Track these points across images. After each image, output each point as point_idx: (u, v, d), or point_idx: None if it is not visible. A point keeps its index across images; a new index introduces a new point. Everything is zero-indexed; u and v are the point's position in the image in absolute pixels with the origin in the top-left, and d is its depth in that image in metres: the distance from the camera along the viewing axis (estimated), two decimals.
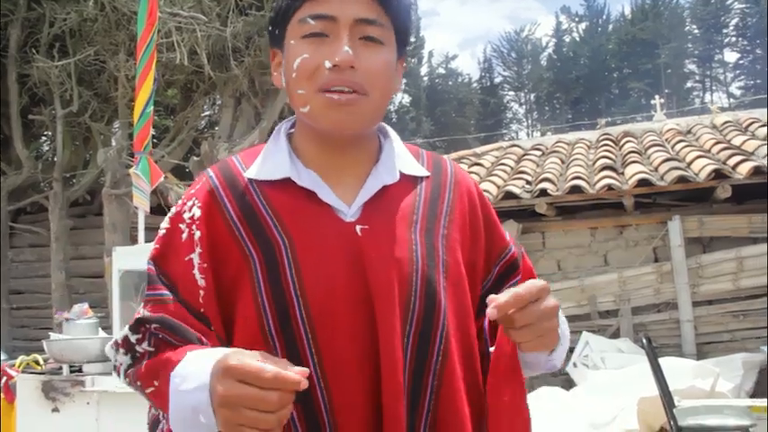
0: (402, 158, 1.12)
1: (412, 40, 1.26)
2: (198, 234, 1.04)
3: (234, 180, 1.06)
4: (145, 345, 1.02)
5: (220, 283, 1.04)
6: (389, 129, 1.17)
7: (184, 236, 1.05)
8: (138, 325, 1.03)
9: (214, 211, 1.05)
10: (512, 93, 45.89)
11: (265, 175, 1.05)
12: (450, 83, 43.81)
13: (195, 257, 1.03)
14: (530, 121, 45.01)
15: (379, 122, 1.11)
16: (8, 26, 9.56)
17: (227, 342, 1.02)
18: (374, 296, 1.00)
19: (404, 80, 1.19)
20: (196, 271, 1.03)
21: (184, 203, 1.07)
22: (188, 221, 1.05)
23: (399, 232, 1.04)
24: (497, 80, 45.54)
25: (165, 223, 1.08)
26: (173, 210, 1.09)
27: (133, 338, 1.03)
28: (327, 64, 1.00)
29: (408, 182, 1.10)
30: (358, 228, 1.03)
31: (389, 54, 1.05)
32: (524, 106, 46.01)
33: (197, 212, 1.05)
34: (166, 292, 1.04)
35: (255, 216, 1.03)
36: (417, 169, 1.13)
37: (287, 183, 1.05)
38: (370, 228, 1.03)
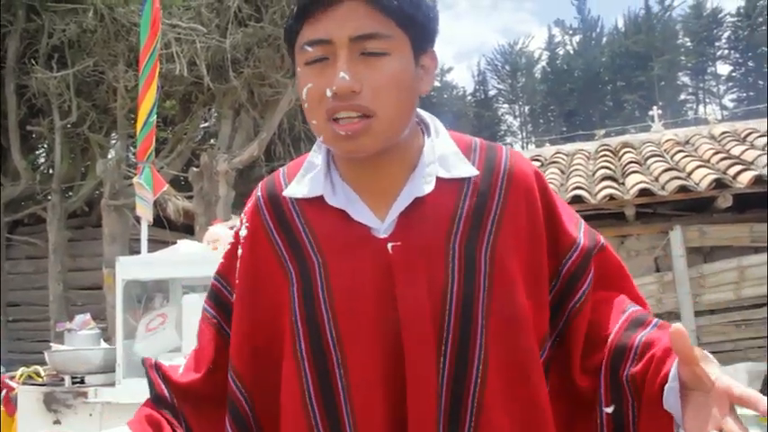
0: (445, 160, 1.05)
1: (437, 28, 1.05)
2: (240, 252, 1.10)
3: (276, 198, 1.09)
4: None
5: (258, 301, 1.07)
6: (436, 124, 1.11)
7: (238, 252, 1.11)
8: (143, 363, 1.12)
9: (259, 232, 1.08)
10: (506, 105, 46.10)
11: (301, 194, 1.06)
12: (444, 96, 43.98)
13: (236, 273, 1.10)
14: (524, 134, 45.17)
15: (398, 137, 1.01)
16: (7, 37, 9.55)
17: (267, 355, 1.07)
18: (402, 318, 0.96)
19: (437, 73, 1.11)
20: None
21: (241, 219, 1.13)
22: (240, 239, 1.11)
23: (435, 246, 0.99)
24: (492, 93, 45.76)
25: (230, 238, 1.15)
26: (237, 226, 1.15)
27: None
28: (328, 93, 0.95)
29: (451, 186, 1.03)
30: (389, 245, 0.99)
31: (398, 63, 0.97)
32: (519, 119, 46.20)
33: (243, 232, 1.10)
34: (211, 310, 1.13)
35: (294, 235, 1.05)
36: (463, 170, 1.04)
37: (323, 199, 1.04)
38: (403, 244, 0.99)
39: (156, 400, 1.09)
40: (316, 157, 1.08)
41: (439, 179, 1.02)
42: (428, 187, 1.01)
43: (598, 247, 1.10)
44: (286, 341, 1.02)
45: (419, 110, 1.08)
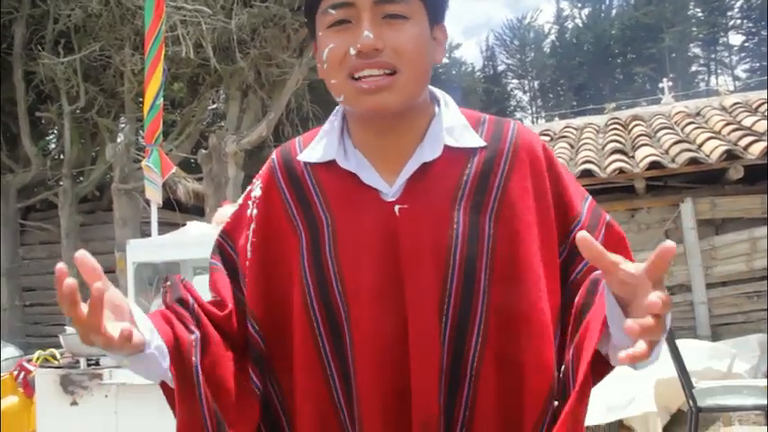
0: (453, 130, 1.08)
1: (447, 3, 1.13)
2: (255, 212, 1.13)
3: (290, 162, 1.13)
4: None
5: (272, 257, 1.10)
6: (446, 98, 1.14)
7: (248, 212, 1.15)
8: (164, 280, 1.11)
9: (273, 192, 1.13)
10: (515, 81, 45.74)
11: (314, 158, 1.10)
12: (453, 72, 43.68)
13: (250, 232, 1.13)
14: (534, 109, 44.87)
15: (418, 97, 1.06)
16: (13, 24, 9.57)
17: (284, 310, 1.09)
18: (405, 278, 1.00)
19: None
20: (249, 243, 1.13)
21: (254, 183, 1.17)
22: (253, 199, 1.15)
23: (440, 211, 1.03)
24: (501, 68, 45.40)
25: (240, 199, 1.19)
26: (248, 188, 1.18)
27: (162, 291, 1.11)
28: (352, 51, 1.00)
29: (458, 155, 1.07)
30: (396, 208, 1.03)
31: (417, 27, 1.03)
32: (528, 94, 45.87)
33: (258, 192, 1.14)
34: (218, 263, 1.16)
35: (305, 196, 1.09)
36: (470, 140, 1.08)
37: (335, 163, 1.08)
38: (410, 207, 1.03)
39: (177, 301, 1.07)
40: (331, 124, 1.12)
41: (447, 147, 1.06)
42: (435, 153, 1.05)
43: (604, 223, 1.10)
44: (296, 293, 1.07)
45: (430, 86, 1.11)
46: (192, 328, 1.04)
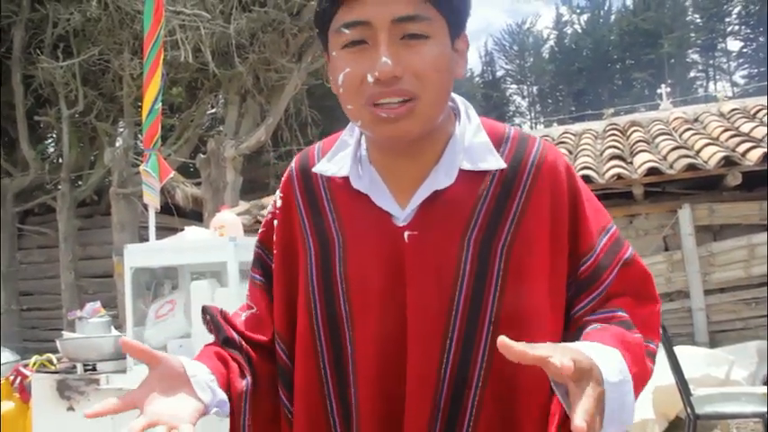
0: (472, 151, 1.03)
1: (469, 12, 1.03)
2: (275, 222, 1.13)
3: (307, 173, 1.11)
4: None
5: (289, 266, 1.11)
6: (469, 110, 1.08)
7: (275, 222, 1.14)
8: (202, 312, 1.12)
9: (290, 201, 1.12)
10: (514, 86, 45.81)
11: (329, 172, 1.08)
12: None
13: (273, 242, 1.14)
14: (533, 114, 44.93)
15: (437, 119, 1.00)
16: (12, 27, 9.58)
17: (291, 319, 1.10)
18: (409, 308, 0.98)
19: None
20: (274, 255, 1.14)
21: (278, 190, 1.16)
22: (276, 208, 1.14)
23: (450, 240, 0.99)
24: (499, 74, 45.47)
25: (269, 206, 1.18)
26: (276, 193, 1.18)
27: (203, 322, 1.13)
28: (370, 78, 0.94)
29: (476, 178, 1.02)
30: (406, 234, 1.00)
31: (438, 46, 0.96)
32: (527, 99, 45.94)
33: (279, 202, 1.14)
34: (259, 276, 1.16)
35: (319, 210, 1.08)
36: (489, 163, 1.02)
37: (350, 179, 1.06)
38: (419, 234, 1.00)
39: (224, 342, 1.08)
40: (348, 136, 1.09)
41: (464, 171, 1.01)
42: (449, 179, 1.01)
43: (619, 262, 1.05)
44: (300, 308, 1.06)
45: (453, 94, 1.07)
46: (246, 373, 1.07)
